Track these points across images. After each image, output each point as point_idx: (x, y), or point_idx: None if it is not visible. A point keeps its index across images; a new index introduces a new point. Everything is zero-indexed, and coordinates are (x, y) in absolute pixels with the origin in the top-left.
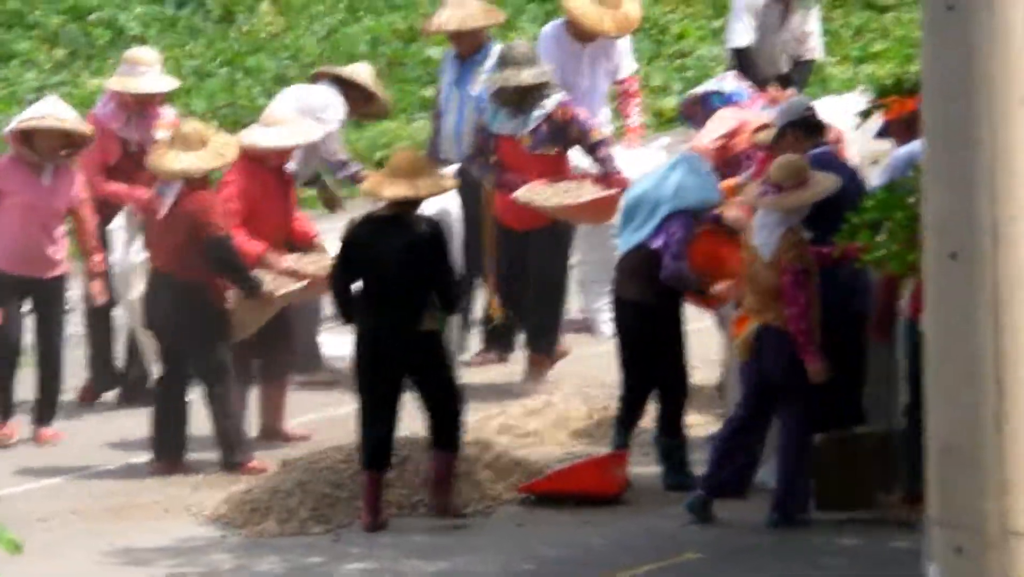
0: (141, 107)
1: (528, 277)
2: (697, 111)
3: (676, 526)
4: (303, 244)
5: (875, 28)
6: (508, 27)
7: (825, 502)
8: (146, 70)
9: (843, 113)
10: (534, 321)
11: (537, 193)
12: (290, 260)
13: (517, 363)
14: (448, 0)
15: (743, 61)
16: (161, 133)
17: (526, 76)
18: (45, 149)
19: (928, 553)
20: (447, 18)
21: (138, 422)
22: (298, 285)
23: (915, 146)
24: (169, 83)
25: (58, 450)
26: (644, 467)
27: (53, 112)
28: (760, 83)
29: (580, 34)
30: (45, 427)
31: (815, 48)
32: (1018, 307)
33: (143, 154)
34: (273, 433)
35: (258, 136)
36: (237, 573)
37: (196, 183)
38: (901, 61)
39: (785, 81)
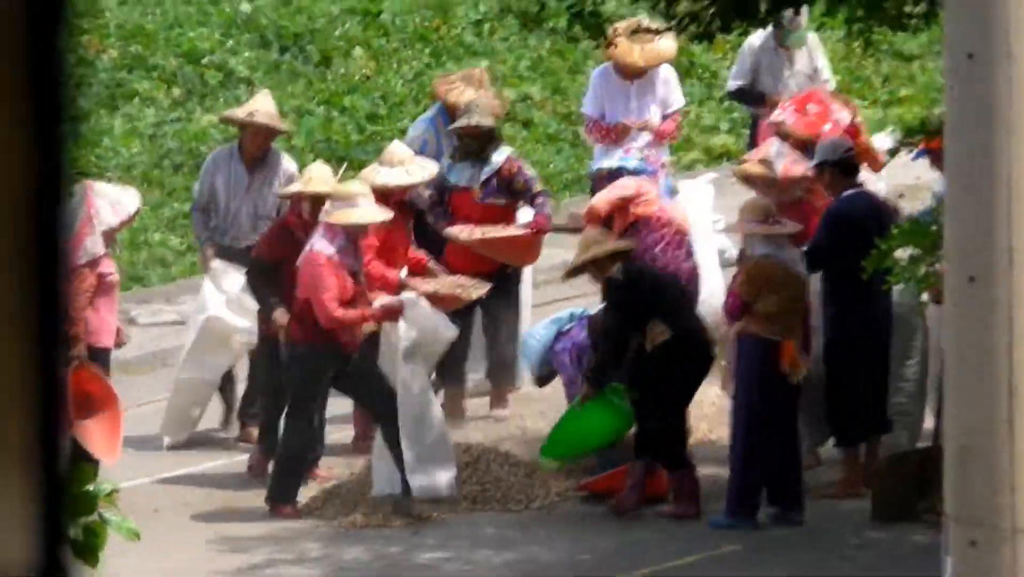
0: None
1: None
2: (604, 185)
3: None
4: (417, 270)
5: (902, 75)
6: (575, 70)
7: (879, 514)
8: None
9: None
10: (493, 358)
11: (465, 232)
12: (428, 285)
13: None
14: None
15: (740, 100)
16: None
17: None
18: None
19: (945, 547)
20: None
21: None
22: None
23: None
24: None
25: (172, 450)
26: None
27: None
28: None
29: (624, 71)
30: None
31: (827, 81)
32: None
33: None
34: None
35: (387, 176)
36: (325, 560)
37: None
38: (926, 104)
39: None
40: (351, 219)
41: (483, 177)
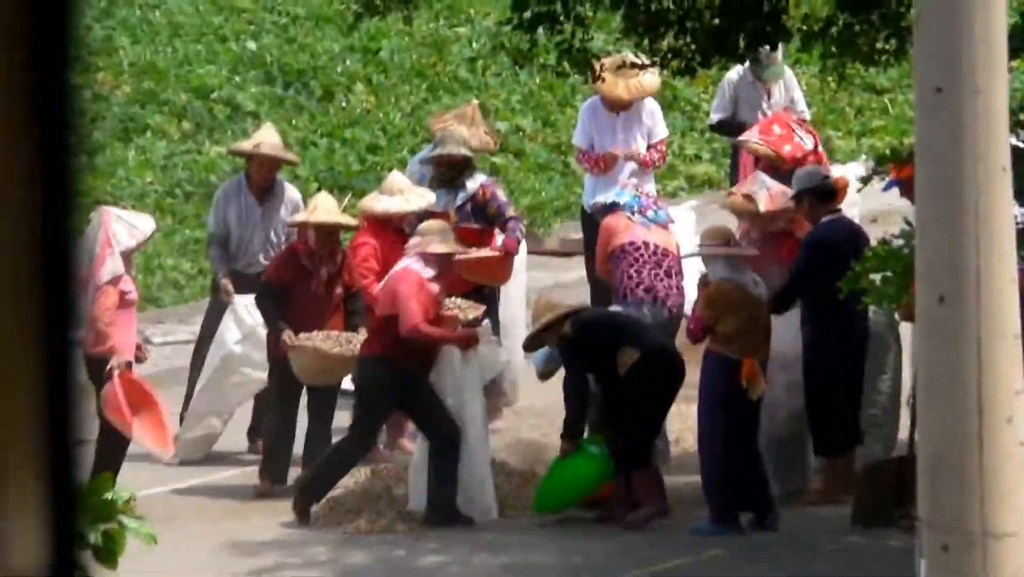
0: None
1: None
2: (603, 217)
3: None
4: None
5: (875, 107)
6: (564, 103)
7: (858, 520)
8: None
9: (848, 178)
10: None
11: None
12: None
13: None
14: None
15: (722, 132)
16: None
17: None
18: None
19: (920, 550)
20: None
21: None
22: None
23: None
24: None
25: (186, 465)
26: (678, 476)
27: None
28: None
29: (611, 104)
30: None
31: (803, 112)
32: (996, 342)
33: None
34: None
35: (387, 203)
36: (332, 564)
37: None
38: (897, 135)
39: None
40: (441, 248)
41: (458, 203)
